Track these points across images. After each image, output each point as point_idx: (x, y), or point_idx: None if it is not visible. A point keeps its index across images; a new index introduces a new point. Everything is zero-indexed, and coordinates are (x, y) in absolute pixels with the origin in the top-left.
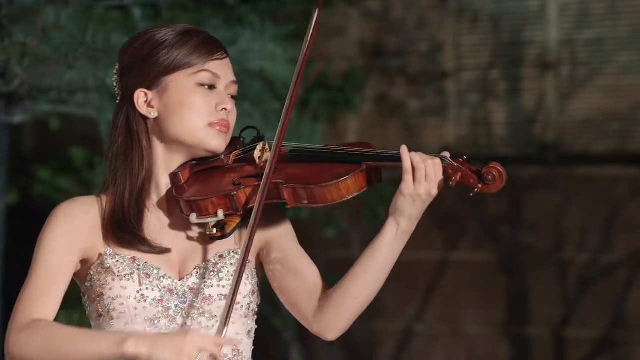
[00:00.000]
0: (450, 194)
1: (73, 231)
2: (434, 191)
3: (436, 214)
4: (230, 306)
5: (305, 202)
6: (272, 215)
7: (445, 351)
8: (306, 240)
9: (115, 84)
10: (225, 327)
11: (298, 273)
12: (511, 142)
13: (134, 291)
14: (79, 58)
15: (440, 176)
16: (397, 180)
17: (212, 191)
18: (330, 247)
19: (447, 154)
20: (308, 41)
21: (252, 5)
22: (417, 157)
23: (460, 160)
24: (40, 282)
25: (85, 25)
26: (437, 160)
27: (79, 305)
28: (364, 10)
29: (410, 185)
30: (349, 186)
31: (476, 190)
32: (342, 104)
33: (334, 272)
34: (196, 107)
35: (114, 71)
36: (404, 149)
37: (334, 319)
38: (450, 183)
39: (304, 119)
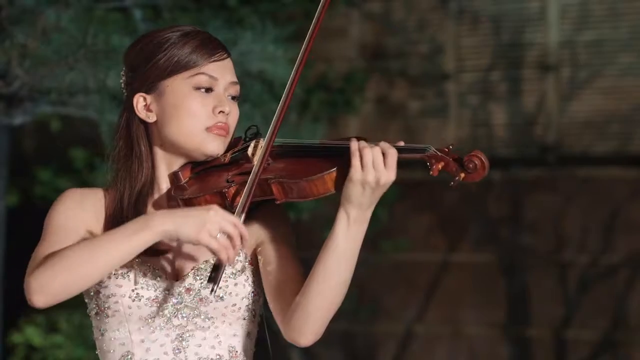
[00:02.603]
0: (451, 195)
1: (83, 211)
2: (383, 180)
3: (437, 216)
4: (249, 193)
5: (294, 196)
6: (271, 218)
7: (446, 352)
8: (307, 241)
9: (123, 86)
10: (243, 214)
11: (276, 281)
12: (512, 143)
13: (129, 290)
14: (79, 60)
15: (393, 165)
16: (398, 181)
17: (206, 189)
18: None
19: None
20: (317, 18)
21: (253, 6)
22: (364, 142)
23: (445, 149)
24: (51, 240)
25: (86, 27)
26: (392, 151)
27: (80, 306)
28: (364, 11)
29: (359, 170)
30: (334, 179)
31: (458, 179)
32: (342, 106)
33: None
34: (193, 111)
35: (122, 73)
36: (353, 139)
37: (302, 322)
38: (431, 172)
39: (304, 120)
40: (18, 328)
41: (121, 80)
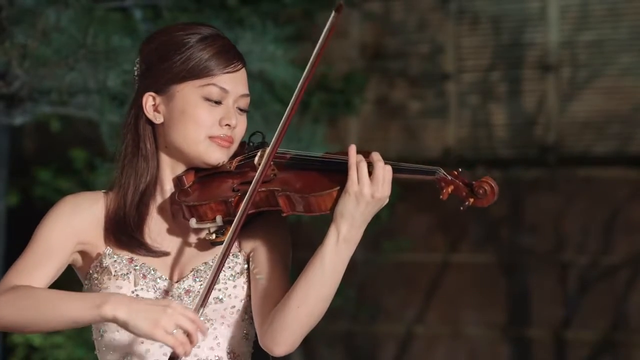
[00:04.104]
0: (451, 196)
1: (75, 221)
2: (378, 194)
3: (437, 216)
4: (208, 288)
5: (300, 210)
6: (270, 226)
7: (446, 353)
8: (307, 243)
9: (135, 75)
10: (202, 308)
11: (262, 287)
12: (512, 143)
13: (129, 291)
14: (79, 60)
15: (388, 182)
16: (398, 182)
17: (211, 197)
18: None
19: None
20: (322, 43)
21: (253, 6)
22: (361, 156)
23: (455, 173)
24: (32, 257)
25: (86, 27)
26: (388, 167)
27: None
28: (364, 12)
29: (355, 183)
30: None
31: (467, 203)
32: (342, 106)
33: None
34: (198, 120)
35: (136, 61)
36: (351, 147)
37: (279, 331)
38: (441, 196)
39: (304, 121)
40: None
41: (135, 68)
